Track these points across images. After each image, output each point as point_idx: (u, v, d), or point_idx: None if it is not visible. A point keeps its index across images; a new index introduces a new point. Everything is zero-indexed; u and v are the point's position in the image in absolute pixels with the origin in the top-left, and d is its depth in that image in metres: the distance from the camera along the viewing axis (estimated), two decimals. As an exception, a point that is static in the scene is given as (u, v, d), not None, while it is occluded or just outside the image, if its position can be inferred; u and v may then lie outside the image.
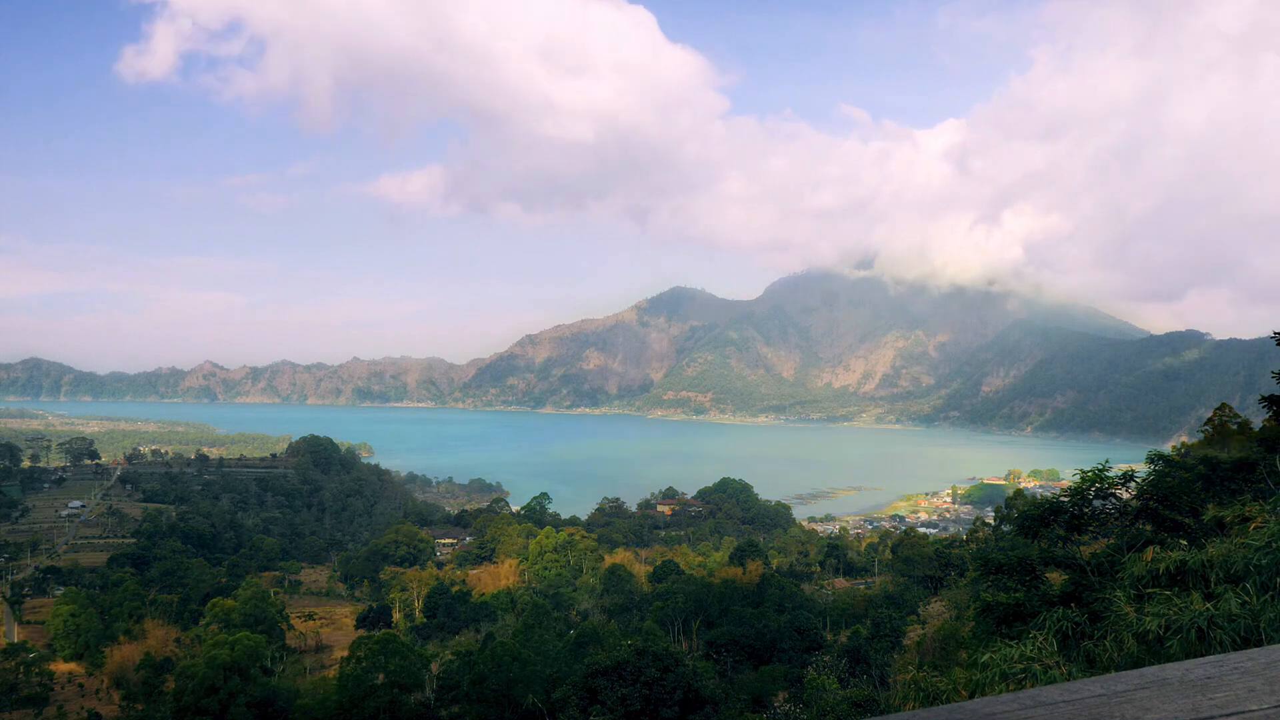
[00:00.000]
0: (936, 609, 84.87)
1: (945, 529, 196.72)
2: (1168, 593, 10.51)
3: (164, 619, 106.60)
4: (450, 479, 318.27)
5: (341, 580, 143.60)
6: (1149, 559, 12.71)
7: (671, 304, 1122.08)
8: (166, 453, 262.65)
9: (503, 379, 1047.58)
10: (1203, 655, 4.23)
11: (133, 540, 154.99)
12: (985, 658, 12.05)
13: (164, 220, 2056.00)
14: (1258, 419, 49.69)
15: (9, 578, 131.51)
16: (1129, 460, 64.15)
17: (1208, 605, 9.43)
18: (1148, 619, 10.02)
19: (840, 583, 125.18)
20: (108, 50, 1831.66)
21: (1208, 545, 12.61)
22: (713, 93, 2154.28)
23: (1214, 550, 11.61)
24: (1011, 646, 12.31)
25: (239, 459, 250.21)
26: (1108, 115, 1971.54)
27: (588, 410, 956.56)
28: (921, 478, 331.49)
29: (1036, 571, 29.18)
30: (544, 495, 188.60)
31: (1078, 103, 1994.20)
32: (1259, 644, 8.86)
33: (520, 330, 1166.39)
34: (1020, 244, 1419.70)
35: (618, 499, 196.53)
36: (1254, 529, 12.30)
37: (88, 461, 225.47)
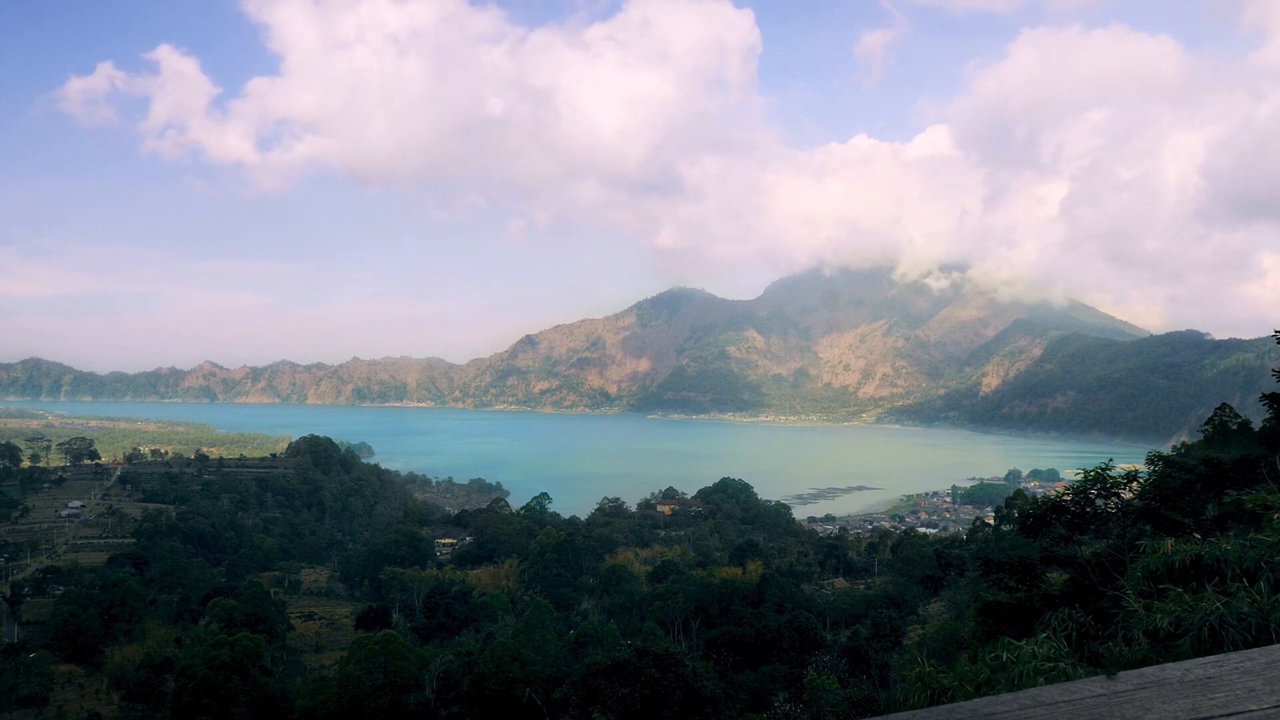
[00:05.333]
0: (936, 609, 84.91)
1: (945, 529, 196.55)
2: (1179, 589, 10.45)
3: (164, 619, 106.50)
4: (450, 479, 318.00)
5: (341, 580, 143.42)
6: (1168, 550, 12.64)
7: (671, 304, 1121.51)
8: (166, 453, 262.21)
9: (503, 379, 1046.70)
10: (1215, 654, 4.18)
11: (133, 540, 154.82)
12: (1005, 656, 11.97)
13: (163, 221, 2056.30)
14: (1257, 419, 49.55)
15: (9, 578, 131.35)
16: (1129, 460, 64.12)
17: (1218, 604, 9.36)
18: (1158, 616, 9.95)
19: (840, 583, 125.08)
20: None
21: (1221, 540, 12.55)
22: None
23: (1229, 545, 11.54)
24: (1024, 646, 12.24)
25: (239, 459, 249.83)
26: (1105, 105, 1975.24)
27: (587, 410, 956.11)
28: (921, 478, 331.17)
29: (1037, 571, 29.16)
30: (544, 495, 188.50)
31: (1072, 93, 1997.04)
32: (1269, 643, 8.81)
33: (520, 330, 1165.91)
34: (1022, 244, 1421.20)
35: (618, 499, 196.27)
36: (1277, 519, 12.23)
37: (88, 461, 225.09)
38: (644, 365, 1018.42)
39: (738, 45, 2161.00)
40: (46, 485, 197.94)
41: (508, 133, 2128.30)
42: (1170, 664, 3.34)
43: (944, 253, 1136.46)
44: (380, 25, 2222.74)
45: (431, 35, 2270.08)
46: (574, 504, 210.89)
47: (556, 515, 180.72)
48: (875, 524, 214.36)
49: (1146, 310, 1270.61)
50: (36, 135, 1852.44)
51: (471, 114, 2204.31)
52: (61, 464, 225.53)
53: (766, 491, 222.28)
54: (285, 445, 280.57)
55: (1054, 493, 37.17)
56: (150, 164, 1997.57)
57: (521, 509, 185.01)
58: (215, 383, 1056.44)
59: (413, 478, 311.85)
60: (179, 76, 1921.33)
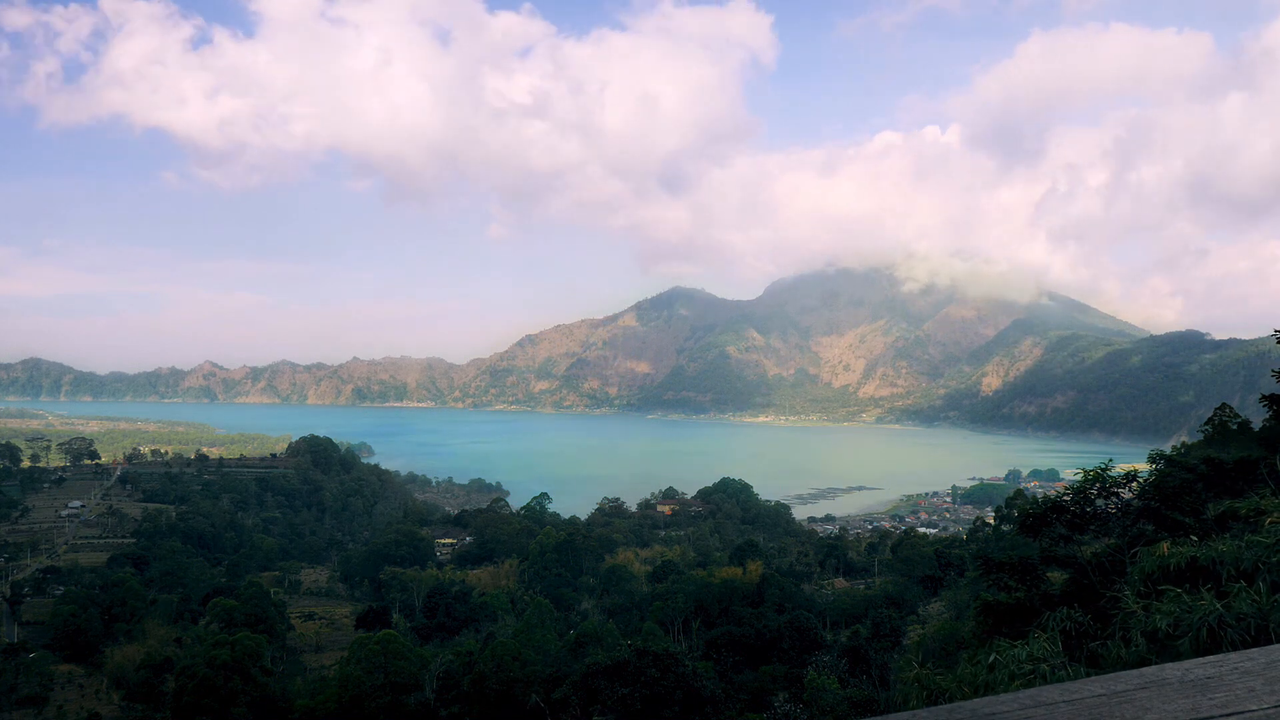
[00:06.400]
0: (936, 609, 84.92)
1: (945, 529, 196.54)
2: (1178, 590, 10.46)
3: (164, 619, 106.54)
4: (450, 479, 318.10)
5: (341, 580, 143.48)
6: (1165, 552, 12.66)
7: (671, 304, 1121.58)
8: (166, 453, 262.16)
9: (503, 379, 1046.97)
10: (1215, 654, 4.17)
11: (133, 540, 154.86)
12: (992, 658, 12.00)
13: (163, 221, 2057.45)
14: (1258, 419, 49.50)
15: (9, 578, 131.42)
16: (1129, 460, 64.10)
17: (1217, 605, 9.37)
18: (1157, 617, 9.97)
19: (840, 583, 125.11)
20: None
21: (1218, 542, 12.56)
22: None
23: (1225, 547, 11.57)
24: (1018, 647, 12.27)
25: (239, 459, 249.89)
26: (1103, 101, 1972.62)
27: (587, 410, 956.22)
28: (921, 478, 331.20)
29: (1037, 571, 29.16)
30: (544, 495, 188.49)
31: (1082, 91, 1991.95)
32: (1268, 643, 8.83)
33: (520, 330, 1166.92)
34: (1023, 244, 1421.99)
35: (618, 499, 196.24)
36: (1270, 524, 12.26)
37: (88, 461, 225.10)
38: (644, 365, 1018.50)
39: (748, 45, 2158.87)
40: (46, 485, 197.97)
41: (508, 133, 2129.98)
42: (1170, 664, 3.33)
43: (945, 252, 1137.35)
44: (389, 10, 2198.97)
45: (444, 26, 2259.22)
46: (574, 504, 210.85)
47: (556, 515, 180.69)
48: (875, 524, 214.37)
49: (1152, 309, 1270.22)
50: (34, 134, 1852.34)
51: (475, 110, 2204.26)
52: (61, 464, 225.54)
53: (766, 491, 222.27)
54: (285, 445, 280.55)
55: (1054, 493, 37.22)
56: (149, 162, 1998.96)
57: (521, 509, 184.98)
58: (215, 383, 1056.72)
59: (413, 478, 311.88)
60: (168, 53, 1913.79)
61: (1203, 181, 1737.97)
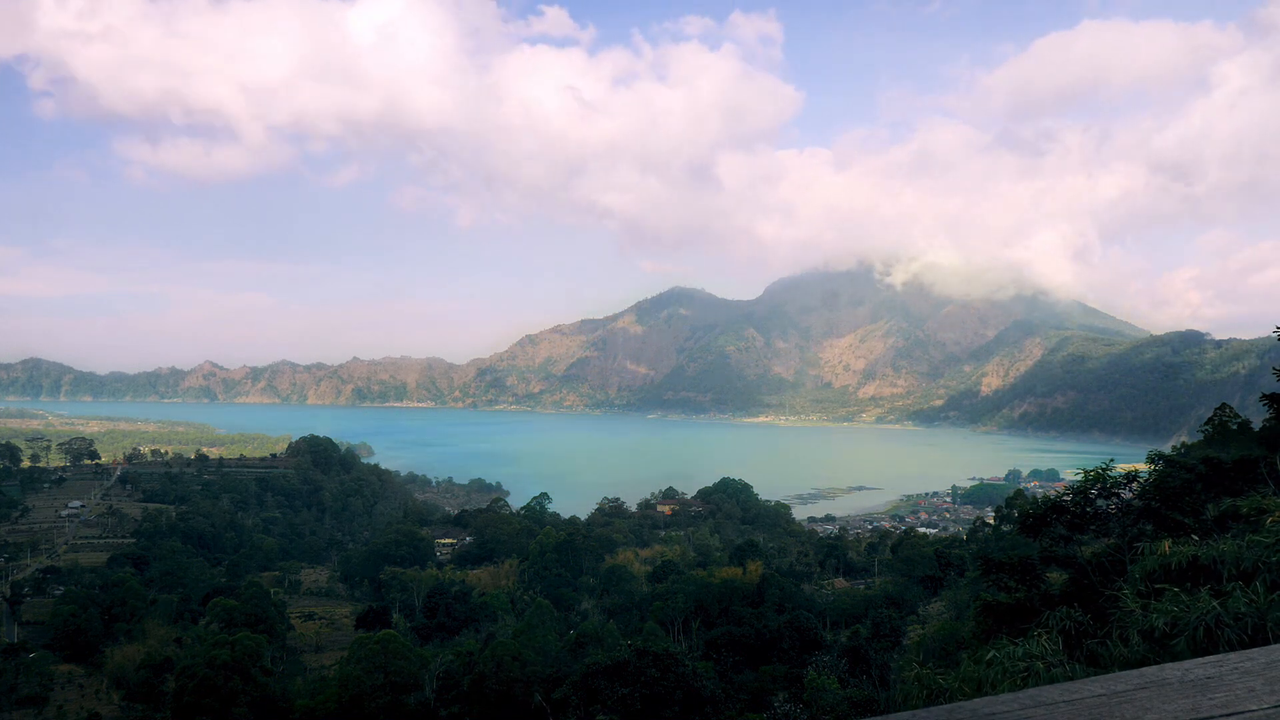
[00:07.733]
0: (936, 609, 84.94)
1: (945, 529, 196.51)
2: (1176, 589, 10.49)
3: (164, 619, 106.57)
4: (450, 479, 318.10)
5: (341, 580, 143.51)
6: (1166, 551, 12.69)
7: (671, 304, 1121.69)
8: (166, 453, 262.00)
9: (503, 379, 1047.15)
10: (1210, 654, 4.19)
11: (133, 540, 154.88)
12: (990, 654, 12.04)
13: (163, 221, 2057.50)
14: (1257, 419, 49.55)
15: (9, 578, 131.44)
16: (1129, 460, 64.12)
17: (1215, 604, 9.40)
18: (1154, 616, 10.01)
19: (840, 583, 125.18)
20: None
21: (1219, 541, 12.61)
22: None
23: (1225, 546, 11.61)
24: (1017, 644, 12.30)
25: (239, 459, 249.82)
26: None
27: (587, 410, 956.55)
28: (921, 478, 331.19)
29: (1037, 571, 29.19)
30: (544, 495, 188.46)
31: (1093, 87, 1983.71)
32: (1265, 643, 8.83)
33: (520, 330, 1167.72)
34: (1021, 244, 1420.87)
35: (618, 499, 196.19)
36: (1271, 523, 12.30)
37: (88, 461, 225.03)
38: (643, 365, 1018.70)
39: (754, 44, 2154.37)
40: (46, 485, 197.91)
41: (508, 129, 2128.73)
42: (1170, 664, 3.35)
43: (946, 252, 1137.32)
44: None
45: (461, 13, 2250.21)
46: (574, 504, 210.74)
47: (556, 515, 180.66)
48: (875, 524, 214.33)
49: (1155, 309, 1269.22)
50: (32, 132, 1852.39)
51: (478, 105, 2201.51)
52: (61, 464, 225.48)
53: (766, 491, 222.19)
54: (285, 445, 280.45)
55: (1054, 493, 37.26)
56: (150, 159, 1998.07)
57: (521, 509, 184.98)
58: (215, 383, 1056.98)
59: (413, 478, 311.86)
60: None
61: (1205, 179, 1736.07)
